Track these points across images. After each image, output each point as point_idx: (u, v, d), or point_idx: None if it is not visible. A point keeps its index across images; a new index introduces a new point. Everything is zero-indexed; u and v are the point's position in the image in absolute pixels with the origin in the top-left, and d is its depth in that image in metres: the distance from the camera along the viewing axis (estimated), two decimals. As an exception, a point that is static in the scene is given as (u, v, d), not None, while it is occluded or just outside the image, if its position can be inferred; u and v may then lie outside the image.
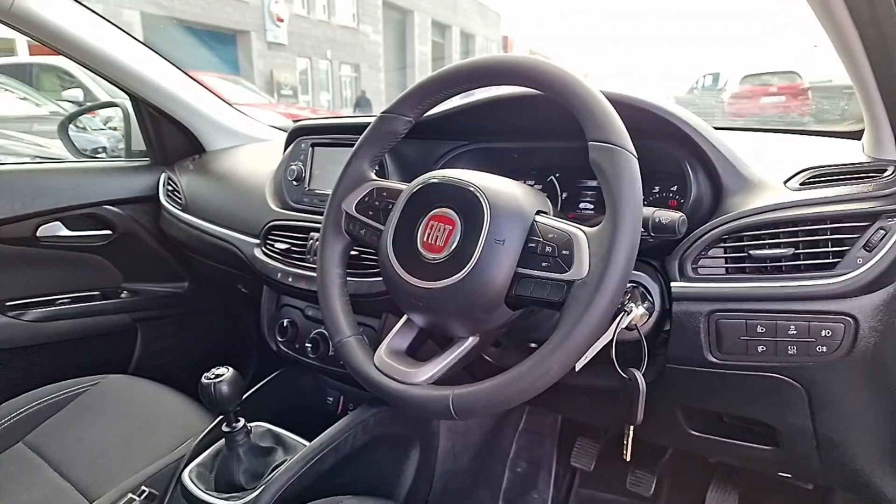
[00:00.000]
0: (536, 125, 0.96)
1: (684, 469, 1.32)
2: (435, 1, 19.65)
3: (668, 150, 0.83)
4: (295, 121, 1.33)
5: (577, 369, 0.69)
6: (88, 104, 1.64)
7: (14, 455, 1.08)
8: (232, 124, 1.65)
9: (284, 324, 1.20)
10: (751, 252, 0.72)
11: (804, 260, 0.70)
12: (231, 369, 0.91)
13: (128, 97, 1.56)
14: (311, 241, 1.09)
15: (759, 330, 0.71)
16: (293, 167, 1.16)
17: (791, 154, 0.91)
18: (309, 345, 1.15)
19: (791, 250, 0.70)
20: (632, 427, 0.76)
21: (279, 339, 1.21)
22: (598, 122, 0.62)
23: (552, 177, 1.01)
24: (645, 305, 0.76)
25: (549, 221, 0.66)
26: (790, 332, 0.69)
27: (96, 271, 1.53)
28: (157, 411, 1.17)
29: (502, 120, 0.97)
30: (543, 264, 0.63)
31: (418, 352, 0.76)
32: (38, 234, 1.39)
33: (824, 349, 0.68)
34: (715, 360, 0.75)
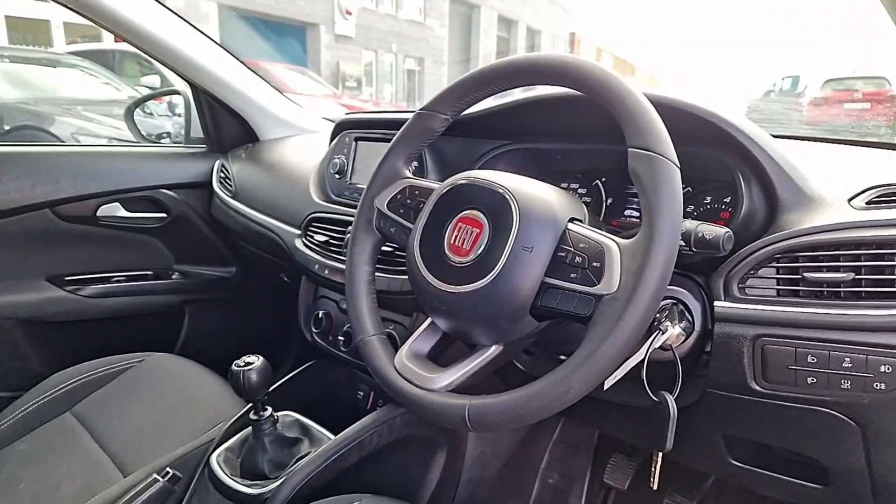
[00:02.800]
0: (583, 126, 0.91)
1: (727, 500, 1.24)
2: (503, -4, 19.51)
3: (721, 158, 0.77)
4: (347, 113, 1.33)
5: (605, 388, 0.66)
6: (153, 91, 1.71)
7: (61, 424, 1.13)
8: (285, 115, 1.67)
9: (319, 315, 1.20)
10: (805, 275, 0.66)
11: (866, 287, 0.63)
12: (261, 358, 0.92)
13: (188, 85, 1.60)
14: (348, 235, 1.08)
15: (809, 360, 0.65)
16: (336, 160, 1.16)
17: (860, 169, 0.83)
18: (342, 338, 1.14)
19: (851, 275, 0.64)
20: (661, 454, 0.71)
21: (314, 329, 1.22)
22: (638, 127, 0.58)
23: (598, 181, 0.97)
24: (682, 325, 0.71)
25: (582, 230, 0.62)
26: (845, 365, 0.63)
27: (150, 252, 1.59)
28: (195, 392, 1.20)
29: (546, 120, 0.93)
30: (572, 275, 0.60)
31: (441, 356, 0.74)
32: (97, 213, 1.45)
33: (883, 386, 0.62)
34: (759, 388, 0.69)
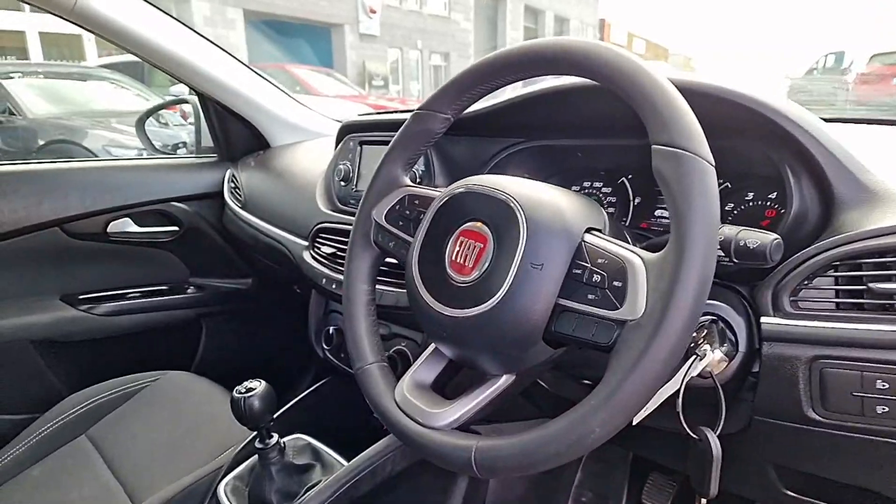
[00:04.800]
0: (604, 119, 0.82)
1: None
2: (529, -15, 19.22)
3: (764, 149, 0.67)
4: (360, 115, 1.26)
5: (634, 423, 0.57)
6: (163, 101, 1.69)
7: (76, 448, 1.11)
8: (296, 119, 1.61)
9: (330, 331, 1.14)
10: (871, 285, 0.56)
11: (948, 299, 0.53)
12: (263, 383, 0.86)
13: (195, 94, 1.56)
14: (354, 247, 1.01)
15: (879, 386, 0.55)
16: (341, 166, 1.09)
17: None
18: (354, 356, 1.08)
19: None
20: (704, 501, 0.62)
21: (325, 346, 1.15)
22: (661, 120, 0.48)
23: (623, 178, 0.87)
24: (725, 348, 0.61)
25: (601, 242, 0.53)
26: (924, 393, 0.53)
27: (164, 266, 1.56)
28: (210, 413, 1.15)
29: (563, 113, 0.84)
30: (590, 297, 0.51)
31: (447, 385, 0.66)
32: (108, 229, 1.42)
33: (971, 418, 0.52)
34: (818, 417, 0.59)
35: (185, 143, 1.99)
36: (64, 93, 5.31)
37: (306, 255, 1.13)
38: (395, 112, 1.06)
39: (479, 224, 0.58)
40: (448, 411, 0.59)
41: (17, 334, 1.34)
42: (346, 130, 1.13)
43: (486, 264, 0.56)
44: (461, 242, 0.59)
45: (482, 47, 17.98)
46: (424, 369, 0.65)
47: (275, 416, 0.87)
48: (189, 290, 1.60)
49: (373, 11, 14.11)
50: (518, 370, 0.59)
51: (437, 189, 0.69)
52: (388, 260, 0.76)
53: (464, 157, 0.94)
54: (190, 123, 1.93)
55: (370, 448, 0.93)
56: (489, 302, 0.54)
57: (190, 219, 1.53)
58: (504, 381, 0.59)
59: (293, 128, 1.60)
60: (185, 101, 1.68)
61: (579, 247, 0.53)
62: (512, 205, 0.56)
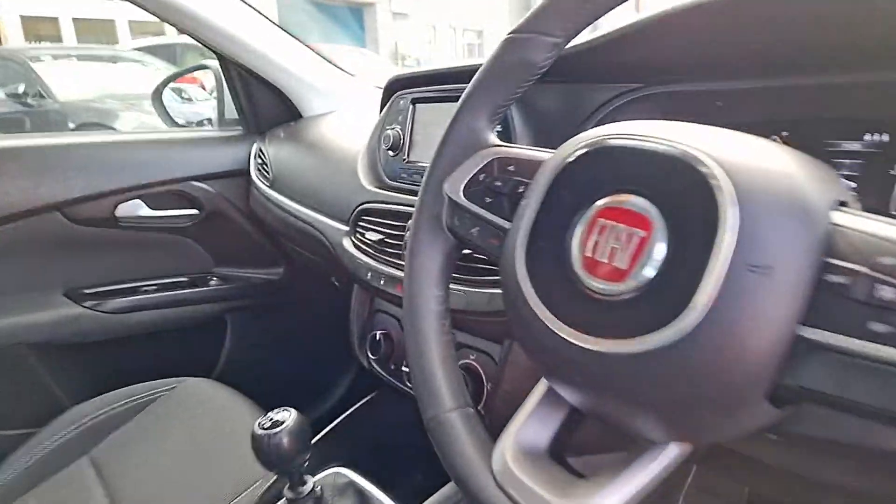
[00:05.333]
0: (773, 48, 0.57)
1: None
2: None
3: None
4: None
5: None
6: (181, 69, 1.49)
7: (75, 473, 0.93)
8: (332, 85, 1.39)
9: (377, 336, 0.93)
10: None
11: None
12: (293, 413, 0.65)
13: (216, 57, 1.36)
14: (408, 232, 0.80)
15: None
16: (389, 132, 0.87)
17: None
18: (406, 368, 0.86)
19: None
20: None
21: (371, 355, 0.94)
22: None
23: (775, 136, 0.63)
24: None
25: (867, 225, 0.30)
26: None
27: (184, 255, 1.37)
28: (232, 432, 0.96)
29: (711, 43, 0.60)
30: (868, 325, 0.28)
31: (567, 446, 0.44)
32: (117, 214, 1.23)
33: None
34: None
35: (210, 121, 1.80)
36: (94, 76, 5.22)
37: (347, 243, 0.92)
38: (461, 64, 0.82)
39: (632, 199, 0.36)
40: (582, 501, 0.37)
41: (13, 337, 1.16)
42: (396, 86, 0.90)
43: (655, 264, 0.33)
44: (601, 228, 0.36)
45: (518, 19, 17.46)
46: (535, 424, 0.43)
47: (309, 453, 0.67)
48: (212, 283, 1.41)
49: (405, -11, 13.79)
50: (703, 439, 0.36)
51: (545, 150, 0.46)
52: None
53: (555, 112, 0.71)
54: (215, 97, 1.73)
55: (437, 494, 0.72)
56: (668, 329, 0.31)
57: (212, 200, 1.33)
58: (676, 452, 0.36)
59: (328, 95, 1.38)
60: (205, 67, 1.48)
61: (830, 235, 0.30)
62: (704, 167, 0.32)
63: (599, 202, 0.37)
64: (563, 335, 0.36)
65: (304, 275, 1.45)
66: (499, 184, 0.48)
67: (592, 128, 0.70)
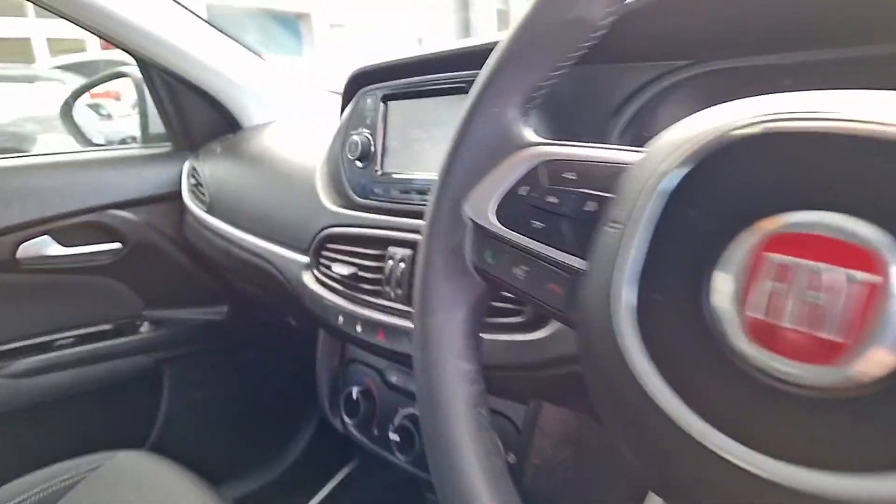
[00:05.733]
0: (859, 13, 0.43)
1: None
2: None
3: None
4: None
5: None
6: (93, 79, 1.26)
7: None
8: (275, 90, 1.21)
9: (354, 395, 0.74)
10: None
11: None
12: None
13: (136, 63, 1.15)
14: (391, 262, 0.62)
15: None
16: (355, 138, 0.68)
17: None
18: (396, 436, 0.68)
19: None
20: None
21: (347, 418, 0.75)
22: None
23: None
24: None
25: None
26: None
27: (106, 299, 1.14)
28: None
29: (785, 4, 0.46)
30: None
31: None
32: (18, 255, 1.00)
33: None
34: None
35: (135, 139, 1.57)
36: (9, 97, 4.78)
37: (307, 278, 0.74)
38: (445, 48, 0.64)
39: (840, 220, 0.20)
40: None
41: None
42: (360, 81, 0.71)
43: None
44: (779, 270, 0.21)
45: (455, 33, 17.47)
46: None
47: None
48: (143, 329, 1.19)
49: (341, -1, 13.54)
50: None
51: (637, 150, 0.30)
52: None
53: (576, 100, 0.55)
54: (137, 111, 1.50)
55: None
56: None
57: (137, 231, 1.12)
58: None
59: (271, 102, 1.19)
60: (123, 75, 1.26)
61: None
62: None
63: (769, 224, 0.22)
64: (716, 449, 0.21)
65: (253, 312, 1.24)
66: (553, 200, 0.31)
67: (626, 122, 0.55)
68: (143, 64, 1.14)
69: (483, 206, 0.34)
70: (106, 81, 1.33)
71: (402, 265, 0.61)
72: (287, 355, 1.17)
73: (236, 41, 1.19)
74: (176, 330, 1.20)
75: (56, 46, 8.85)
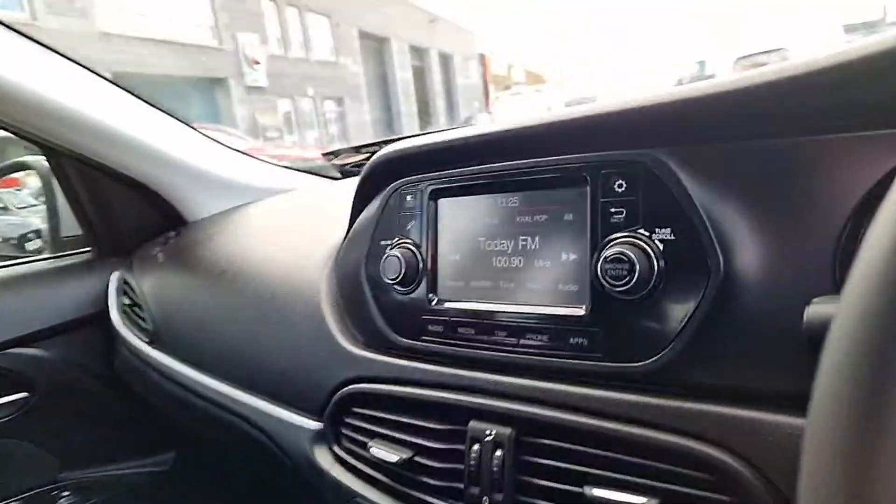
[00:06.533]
0: None
1: None
2: (410, 26, 19.17)
3: None
4: (355, 149, 0.66)
5: None
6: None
7: None
8: (225, 170, 0.97)
9: None
10: None
11: None
12: None
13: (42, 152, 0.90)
14: (476, 447, 0.40)
15: None
16: (395, 253, 0.46)
17: None
18: None
19: None
20: None
21: None
22: None
23: None
24: None
25: None
26: None
27: (11, 466, 0.84)
28: None
29: None
30: None
31: None
32: None
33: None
34: None
35: (37, 232, 1.29)
36: None
37: (322, 456, 0.50)
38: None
39: None
40: None
41: None
42: (389, 168, 0.49)
43: None
44: None
45: (374, 89, 17.58)
46: None
47: None
48: (64, 496, 0.88)
49: (256, 63, 13.29)
50: None
51: None
52: None
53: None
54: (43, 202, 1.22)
55: None
56: None
57: (51, 372, 0.83)
58: None
59: (222, 185, 0.96)
60: (26, 167, 0.98)
61: None
62: None
63: None
64: None
65: (211, 458, 0.96)
66: None
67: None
68: (51, 151, 0.88)
69: None
70: (3, 175, 1.04)
71: (499, 453, 0.40)
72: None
73: (166, 113, 0.95)
74: (106, 497, 0.90)
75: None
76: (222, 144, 1.02)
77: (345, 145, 1.05)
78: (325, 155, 1.14)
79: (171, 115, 0.96)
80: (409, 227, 0.47)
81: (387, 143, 0.79)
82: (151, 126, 0.91)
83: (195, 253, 0.79)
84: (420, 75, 20.47)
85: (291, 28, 14.31)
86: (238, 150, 1.04)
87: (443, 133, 0.47)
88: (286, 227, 0.74)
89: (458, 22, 23.84)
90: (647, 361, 0.35)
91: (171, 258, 0.82)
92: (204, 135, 1.00)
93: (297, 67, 14.59)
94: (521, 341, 0.40)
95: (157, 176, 0.91)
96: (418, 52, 20.68)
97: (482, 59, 27.85)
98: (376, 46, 18.30)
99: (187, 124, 0.98)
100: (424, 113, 19.63)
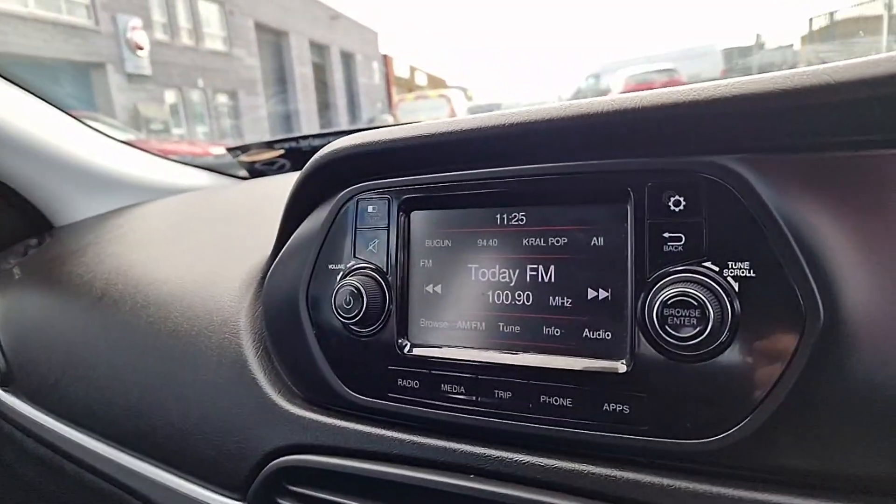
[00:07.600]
0: None
1: None
2: (311, 21, 18.60)
3: None
4: (267, 144, 0.54)
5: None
6: None
7: None
8: (105, 163, 0.80)
9: None
10: None
11: None
12: None
13: None
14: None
15: None
16: (347, 284, 0.35)
17: None
18: None
19: None
20: None
21: None
22: None
23: None
24: None
25: None
26: None
27: None
28: None
29: None
30: None
31: None
32: None
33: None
34: None
35: None
36: None
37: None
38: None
39: None
40: None
41: None
42: (341, 170, 0.38)
43: None
44: None
45: (271, 84, 16.84)
46: None
47: None
48: None
49: (139, 48, 12.25)
50: None
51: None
52: None
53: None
54: None
55: None
56: None
57: None
58: None
59: (106, 180, 0.78)
60: None
61: None
62: None
63: None
64: None
65: None
66: None
67: None
68: None
69: None
70: None
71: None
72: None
73: (30, 91, 0.77)
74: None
75: None
76: (101, 133, 0.84)
77: (241, 141, 0.91)
78: (230, 150, 0.99)
79: (36, 95, 0.77)
80: (370, 247, 0.36)
81: (317, 137, 0.66)
82: (7, 105, 0.72)
83: (64, 268, 0.62)
84: (320, 72, 19.95)
85: (180, 14, 13.37)
86: (122, 141, 0.87)
87: (413, 126, 0.36)
88: (186, 239, 0.60)
89: (361, 21, 23.56)
90: (714, 438, 0.26)
91: (32, 274, 0.64)
92: (78, 119, 0.82)
93: (185, 56, 13.66)
94: (532, 405, 0.30)
95: (15, 167, 0.72)
96: (319, 49, 20.18)
97: (385, 60, 27.71)
98: (274, 40, 17.60)
99: (56, 106, 0.80)
100: (325, 111, 19.15)
